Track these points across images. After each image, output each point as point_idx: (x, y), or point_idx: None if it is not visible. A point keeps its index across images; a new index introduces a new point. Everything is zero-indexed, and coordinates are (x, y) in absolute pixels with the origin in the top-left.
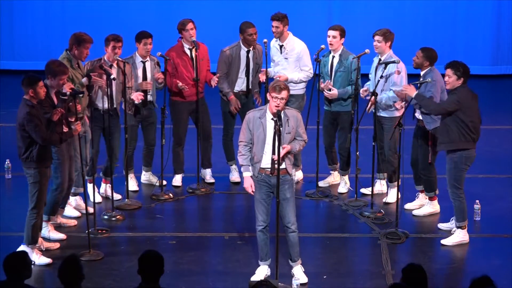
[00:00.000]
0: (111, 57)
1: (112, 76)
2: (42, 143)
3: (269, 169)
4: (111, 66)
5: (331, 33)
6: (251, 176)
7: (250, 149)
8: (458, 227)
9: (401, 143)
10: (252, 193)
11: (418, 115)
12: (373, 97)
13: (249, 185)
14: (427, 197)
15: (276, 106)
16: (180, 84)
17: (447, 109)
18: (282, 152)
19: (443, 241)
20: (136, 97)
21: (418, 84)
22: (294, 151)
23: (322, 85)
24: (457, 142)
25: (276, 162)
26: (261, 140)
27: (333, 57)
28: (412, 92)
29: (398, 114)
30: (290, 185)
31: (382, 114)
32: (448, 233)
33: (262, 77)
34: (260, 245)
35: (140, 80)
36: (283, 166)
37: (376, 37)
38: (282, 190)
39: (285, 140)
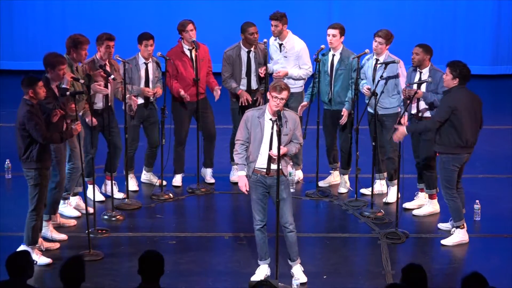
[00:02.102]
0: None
1: (112, 76)
2: (42, 141)
3: (265, 170)
4: (101, 65)
5: (330, 31)
6: (246, 176)
7: (246, 148)
8: (456, 227)
9: (401, 143)
10: (246, 193)
11: (425, 112)
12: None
13: (243, 184)
14: (427, 195)
15: (275, 106)
16: (182, 93)
17: (441, 120)
18: (281, 152)
19: (443, 241)
20: (134, 104)
21: (416, 84)
22: (291, 153)
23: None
24: (446, 146)
25: (273, 159)
26: (258, 139)
27: (333, 55)
28: (403, 131)
29: (397, 110)
30: (286, 185)
31: (382, 112)
32: (448, 233)
33: (262, 72)
34: (259, 244)
35: (142, 81)
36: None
37: (379, 39)
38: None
39: (282, 141)
